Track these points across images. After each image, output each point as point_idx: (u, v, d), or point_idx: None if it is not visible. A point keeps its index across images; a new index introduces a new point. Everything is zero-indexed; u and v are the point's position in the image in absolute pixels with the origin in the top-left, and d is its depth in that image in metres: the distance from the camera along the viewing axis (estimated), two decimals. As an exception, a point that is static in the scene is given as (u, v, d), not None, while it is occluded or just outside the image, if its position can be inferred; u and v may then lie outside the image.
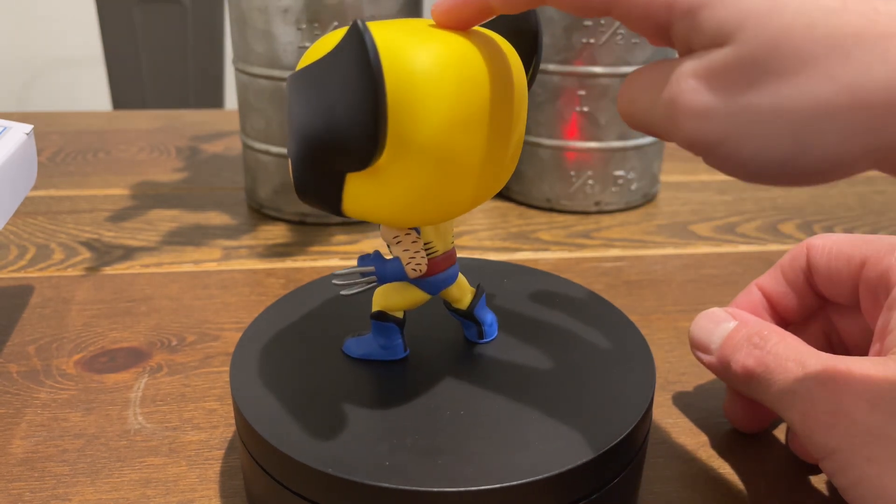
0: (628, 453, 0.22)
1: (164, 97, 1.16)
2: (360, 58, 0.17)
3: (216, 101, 1.19)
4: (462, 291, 0.26)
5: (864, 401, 0.22)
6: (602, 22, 0.45)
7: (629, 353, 0.26)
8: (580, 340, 0.26)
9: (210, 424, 0.29)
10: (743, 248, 0.45)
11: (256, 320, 0.27)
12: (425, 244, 0.23)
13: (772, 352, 0.25)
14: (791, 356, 0.25)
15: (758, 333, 0.26)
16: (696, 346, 0.28)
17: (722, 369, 0.27)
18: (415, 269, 0.23)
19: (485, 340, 0.26)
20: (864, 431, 0.22)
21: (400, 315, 0.25)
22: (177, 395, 0.31)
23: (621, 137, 0.48)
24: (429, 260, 0.23)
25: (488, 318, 0.26)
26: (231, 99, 1.17)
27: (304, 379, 0.24)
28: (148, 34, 1.11)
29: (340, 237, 0.45)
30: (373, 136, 0.18)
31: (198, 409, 0.30)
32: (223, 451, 0.27)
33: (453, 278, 0.25)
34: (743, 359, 0.26)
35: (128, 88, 1.15)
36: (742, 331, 0.26)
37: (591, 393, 0.24)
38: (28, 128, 0.34)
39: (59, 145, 0.60)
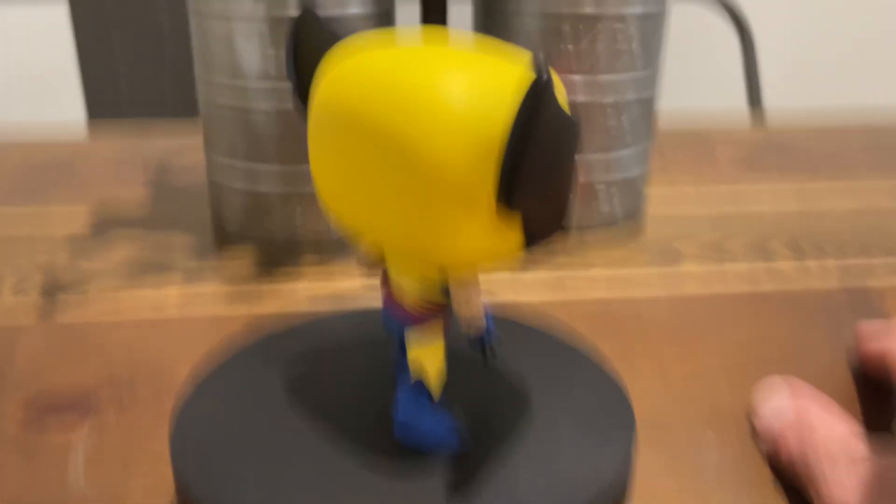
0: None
1: (140, 111, 1.14)
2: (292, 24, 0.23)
3: (191, 120, 1.17)
4: (411, 355, 0.23)
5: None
6: (580, 27, 0.43)
7: (605, 410, 0.24)
8: (551, 393, 0.25)
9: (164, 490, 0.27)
10: (729, 265, 0.43)
11: (202, 381, 0.25)
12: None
13: (812, 445, 0.26)
14: (825, 452, 0.25)
15: (808, 425, 0.27)
16: (753, 412, 0.29)
17: (768, 444, 0.28)
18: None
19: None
20: None
21: None
22: (123, 454, 0.28)
23: (602, 150, 0.46)
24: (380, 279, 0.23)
25: (404, 417, 0.22)
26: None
27: (252, 442, 0.22)
28: (125, 54, 1.09)
29: (308, 274, 0.43)
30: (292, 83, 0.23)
31: (147, 472, 0.28)
32: (171, 517, 0.25)
33: (388, 325, 0.23)
34: (790, 446, 0.27)
35: (103, 103, 1.12)
36: (795, 416, 0.27)
37: (564, 451, 0.22)
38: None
39: (17, 167, 0.58)
